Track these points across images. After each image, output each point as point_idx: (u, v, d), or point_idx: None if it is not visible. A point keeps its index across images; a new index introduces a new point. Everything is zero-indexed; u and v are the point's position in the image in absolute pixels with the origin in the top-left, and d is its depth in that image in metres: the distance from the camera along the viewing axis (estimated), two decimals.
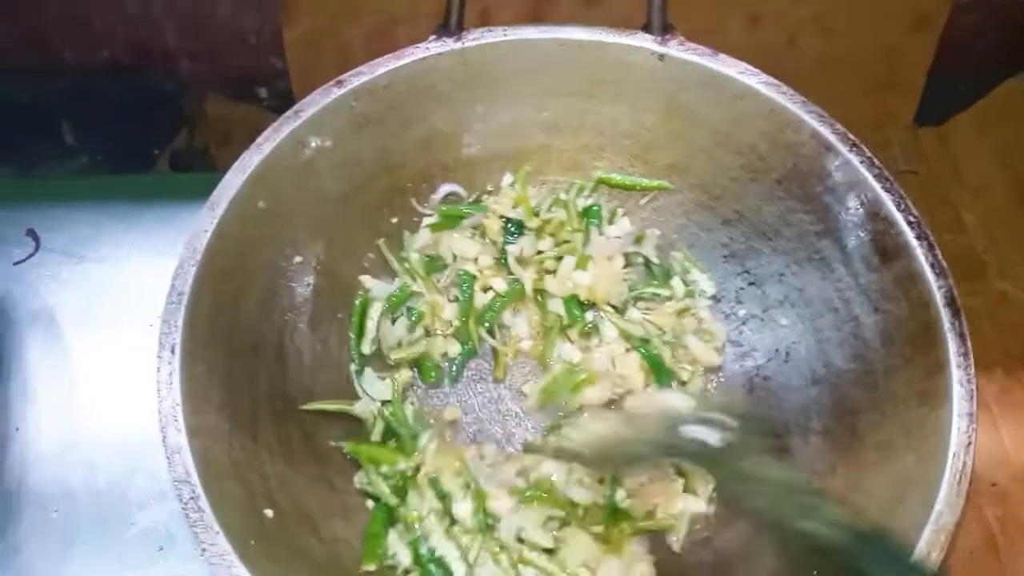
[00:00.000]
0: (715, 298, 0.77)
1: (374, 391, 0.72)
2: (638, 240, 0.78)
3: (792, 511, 0.48)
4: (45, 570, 0.72)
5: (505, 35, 0.70)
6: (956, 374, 0.56)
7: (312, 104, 0.67)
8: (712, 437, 0.56)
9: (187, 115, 1.02)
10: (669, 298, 0.75)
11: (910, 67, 1.04)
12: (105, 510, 0.74)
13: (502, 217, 0.78)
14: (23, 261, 0.86)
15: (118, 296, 0.84)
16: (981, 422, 0.83)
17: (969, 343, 0.57)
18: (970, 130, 1.05)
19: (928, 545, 0.51)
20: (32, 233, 0.88)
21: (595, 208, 0.78)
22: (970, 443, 0.54)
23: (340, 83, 0.68)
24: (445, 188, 0.78)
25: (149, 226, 0.88)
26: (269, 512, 0.58)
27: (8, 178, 0.93)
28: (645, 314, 0.75)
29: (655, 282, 0.77)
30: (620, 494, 0.67)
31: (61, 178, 0.93)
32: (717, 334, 0.75)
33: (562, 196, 0.78)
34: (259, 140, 0.65)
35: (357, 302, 0.74)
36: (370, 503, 0.67)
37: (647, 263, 0.78)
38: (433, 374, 0.74)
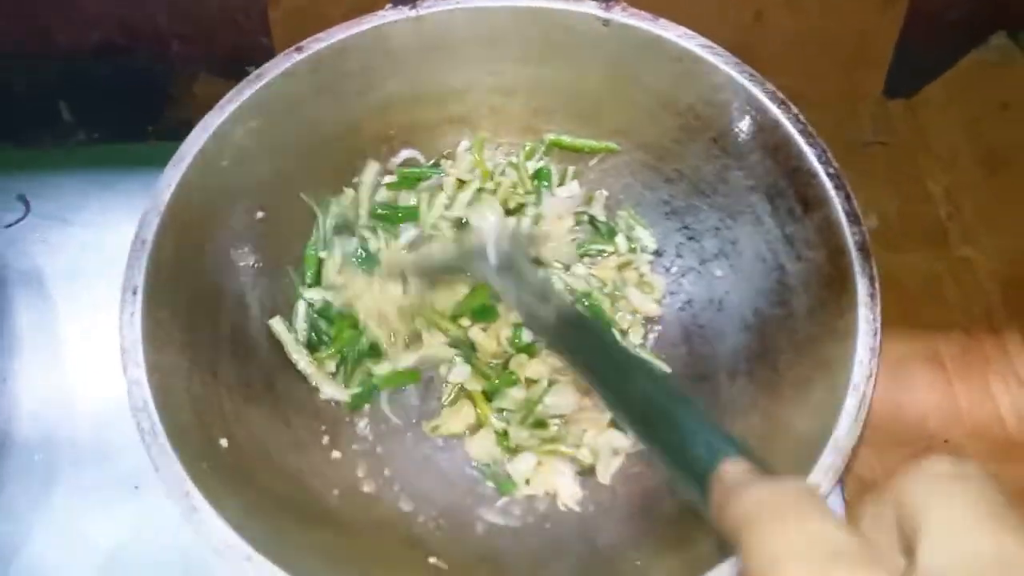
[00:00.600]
0: (657, 253, 0.80)
1: None
2: (588, 201, 0.82)
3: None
4: (28, 508, 0.77)
5: (459, 3, 0.73)
6: (863, 312, 0.59)
7: (273, 68, 0.71)
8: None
9: (178, 94, 1.06)
10: (612, 253, 0.79)
11: (879, 40, 1.06)
12: (85, 454, 0.79)
13: (458, 180, 0.82)
14: (13, 224, 0.92)
15: (103, 258, 0.89)
16: (937, 383, 0.87)
17: (878, 285, 0.60)
18: (938, 101, 1.07)
19: (825, 467, 0.54)
20: (23, 198, 0.93)
21: (545, 171, 0.82)
22: (871, 375, 0.57)
23: (300, 49, 0.72)
24: (404, 153, 0.82)
25: (133, 192, 0.93)
26: (224, 441, 0.62)
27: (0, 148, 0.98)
28: (589, 269, 0.79)
29: (601, 239, 0.80)
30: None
31: (50, 147, 0.98)
32: (657, 286, 0.78)
33: (513, 160, 0.82)
34: (222, 102, 0.69)
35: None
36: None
37: (592, 221, 0.81)
38: None
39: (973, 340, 0.89)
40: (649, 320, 0.78)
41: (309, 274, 0.77)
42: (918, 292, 0.92)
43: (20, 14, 1.00)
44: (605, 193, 0.83)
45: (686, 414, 0.46)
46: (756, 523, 0.35)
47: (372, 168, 0.81)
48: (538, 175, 0.82)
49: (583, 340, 0.58)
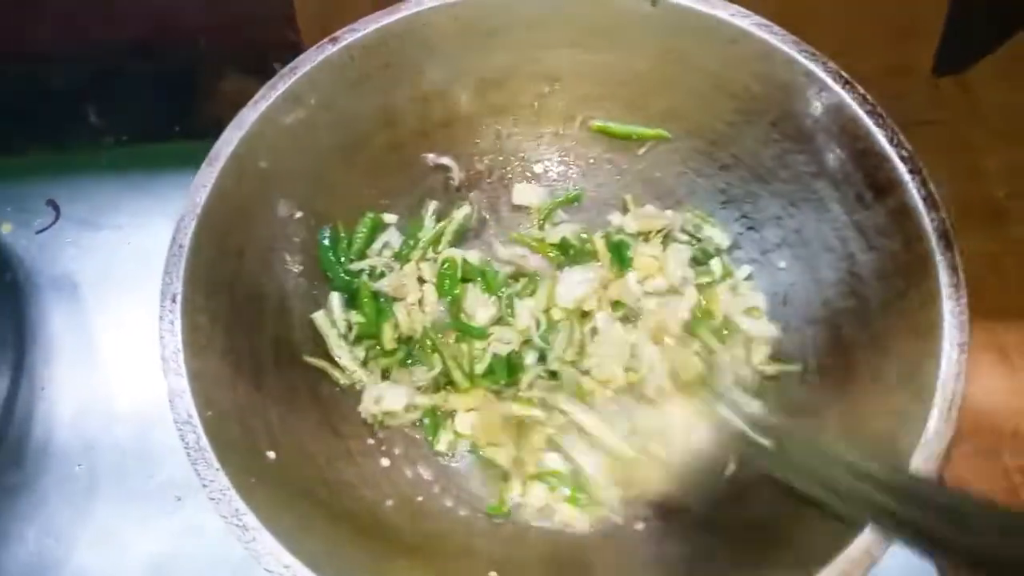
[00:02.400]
0: (729, 250, 0.76)
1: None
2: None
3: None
4: (70, 521, 0.75)
5: None
6: (947, 305, 0.56)
7: (307, 61, 0.68)
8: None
9: (205, 91, 1.04)
10: (711, 283, 0.75)
11: (927, 16, 1.02)
12: (125, 464, 0.78)
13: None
14: (45, 230, 0.90)
15: (134, 260, 0.88)
16: (1000, 371, 0.83)
17: (962, 274, 0.57)
18: (991, 78, 1.03)
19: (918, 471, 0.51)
20: (52, 203, 0.91)
21: (624, 243, 0.78)
22: (960, 372, 0.54)
23: (334, 40, 0.69)
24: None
25: (162, 193, 0.91)
26: (271, 454, 0.59)
27: (28, 153, 0.96)
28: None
29: (697, 265, 0.76)
30: None
31: (78, 151, 0.96)
32: (759, 304, 0.74)
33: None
34: (256, 98, 0.66)
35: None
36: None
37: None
38: None
39: None
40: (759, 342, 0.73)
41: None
42: (977, 276, 0.88)
43: (54, 14, 0.98)
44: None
45: None
46: None
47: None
48: (618, 253, 0.77)
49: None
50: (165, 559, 0.74)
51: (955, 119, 1.01)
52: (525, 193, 0.81)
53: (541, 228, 0.80)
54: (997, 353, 0.84)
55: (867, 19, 1.01)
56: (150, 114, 0.99)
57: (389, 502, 0.65)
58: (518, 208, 0.82)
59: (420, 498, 0.68)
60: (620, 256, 0.76)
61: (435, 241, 0.78)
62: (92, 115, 1.00)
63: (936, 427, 0.52)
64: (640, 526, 0.66)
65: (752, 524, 0.62)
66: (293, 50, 0.90)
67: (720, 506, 0.65)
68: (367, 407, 0.70)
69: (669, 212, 0.78)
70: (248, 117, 0.65)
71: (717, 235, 0.77)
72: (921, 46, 1.02)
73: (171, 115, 0.99)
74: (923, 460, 0.52)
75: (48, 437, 0.79)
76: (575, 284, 0.74)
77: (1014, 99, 1.00)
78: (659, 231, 0.77)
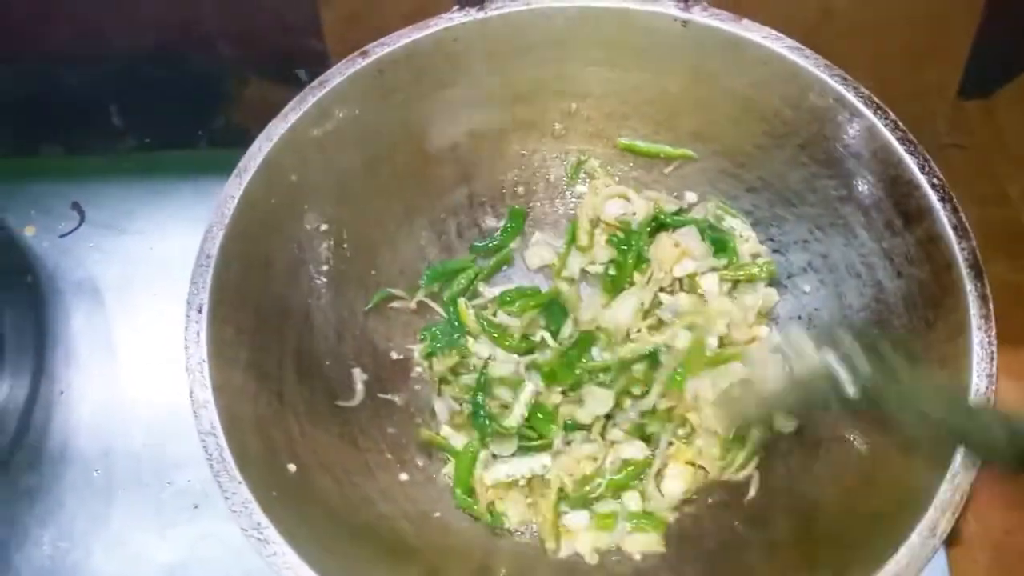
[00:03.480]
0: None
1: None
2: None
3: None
4: (87, 526, 0.76)
5: (528, 4, 0.70)
6: (977, 336, 0.55)
7: (337, 74, 0.68)
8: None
9: (229, 97, 1.04)
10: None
11: (954, 36, 1.01)
12: (143, 470, 0.78)
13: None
14: (69, 234, 0.90)
15: (157, 266, 0.88)
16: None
17: (991, 305, 0.56)
18: (1017, 102, 1.02)
19: (942, 504, 0.50)
20: (77, 207, 0.92)
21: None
22: (989, 403, 0.53)
23: (365, 54, 0.69)
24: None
25: (187, 200, 0.91)
26: (292, 467, 0.59)
27: (54, 156, 0.96)
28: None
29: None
30: None
31: (103, 155, 0.96)
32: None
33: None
34: (285, 110, 0.67)
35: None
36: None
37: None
38: None
39: None
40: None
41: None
42: (1000, 303, 0.87)
43: (77, 18, 0.99)
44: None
45: None
46: None
47: None
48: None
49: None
50: (181, 566, 0.74)
51: (979, 144, 1.00)
52: (537, 256, 0.81)
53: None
54: (1020, 382, 0.83)
55: (892, 39, 1.00)
56: (174, 119, 0.99)
57: (407, 517, 0.65)
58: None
59: (438, 514, 0.68)
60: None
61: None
62: (116, 118, 1.01)
63: (963, 459, 0.52)
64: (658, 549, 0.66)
65: (773, 548, 0.62)
66: (318, 58, 0.91)
67: (739, 532, 0.64)
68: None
69: (692, 195, 0.79)
70: (277, 129, 0.66)
71: (739, 225, 0.76)
72: (947, 68, 1.02)
73: (196, 121, 0.99)
74: (948, 491, 0.51)
75: (66, 442, 0.79)
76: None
77: None
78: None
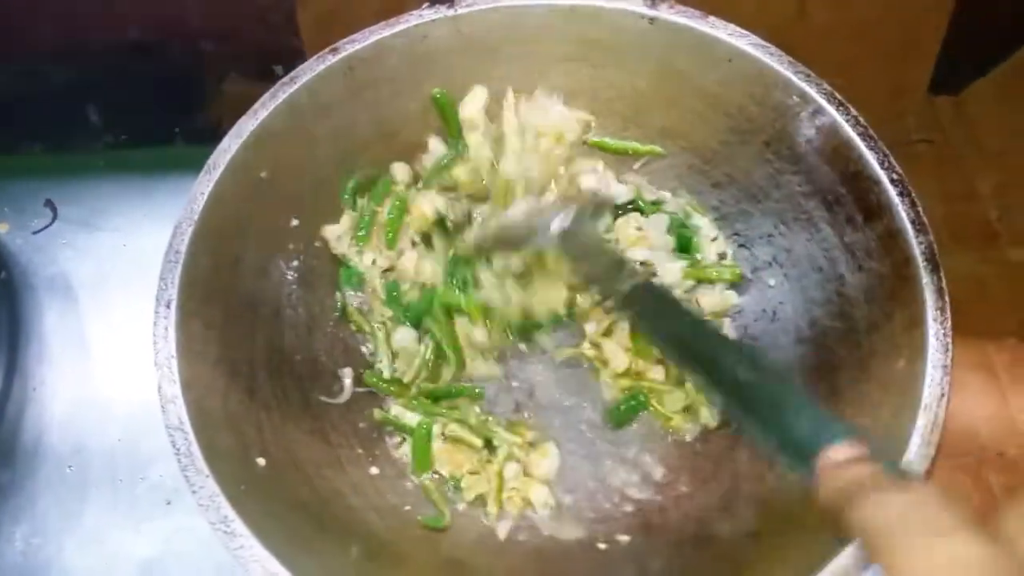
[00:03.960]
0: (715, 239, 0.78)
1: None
2: None
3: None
4: (60, 523, 0.75)
5: (498, 1, 0.71)
6: (932, 328, 0.56)
7: (307, 71, 0.68)
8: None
9: (207, 94, 1.04)
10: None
11: (924, 35, 1.02)
12: (117, 466, 0.78)
13: None
14: (41, 231, 0.90)
15: (130, 263, 0.88)
16: (990, 392, 0.83)
17: (947, 298, 0.57)
18: (987, 98, 1.03)
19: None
20: (50, 204, 0.91)
21: None
22: (943, 395, 0.54)
23: (335, 50, 0.69)
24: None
25: (160, 197, 0.91)
26: (261, 461, 0.60)
27: (27, 153, 0.96)
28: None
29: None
30: None
31: (77, 152, 0.96)
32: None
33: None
34: (255, 107, 0.67)
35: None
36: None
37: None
38: None
39: None
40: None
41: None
42: (967, 297, 0.88)
43: (55, 12, 0.99)
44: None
45: (785, 391, 0.47)
46: (900, 538, 0.35)
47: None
48: None
49: (665, 315, 0.57)
50: (155, 562, 0.74)
51: (950, 139, 1.01)
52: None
53: None
54: (986, 373, 0.85)
55: (864, 38, 1.01)
56: (150, 116, 0.99)
57: (376, 510, 0.66)
58: None
59: (408, 507, 0.68)
60: None
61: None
62: (92, 115, 1.01)
63: (918, 449, 0.53)
64: (624, 538, 0.67)
65: (737, 539, 0.63)
66: (295, 55, 0.91)
67: (706, 521, 0.65)
68: None
69: (667, 194, 0.80)
70: (247, 126, 0.66)
71: (706, 225, 0.77)
72: (918, 65, 1.03)
73: (171, 117, 0.99)
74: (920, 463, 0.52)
75: (39, 438, 0.79)
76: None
77: (1009, 120, 1.01)
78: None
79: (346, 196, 0.75)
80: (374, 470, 0.69)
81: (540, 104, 0.76)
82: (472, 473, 0.70)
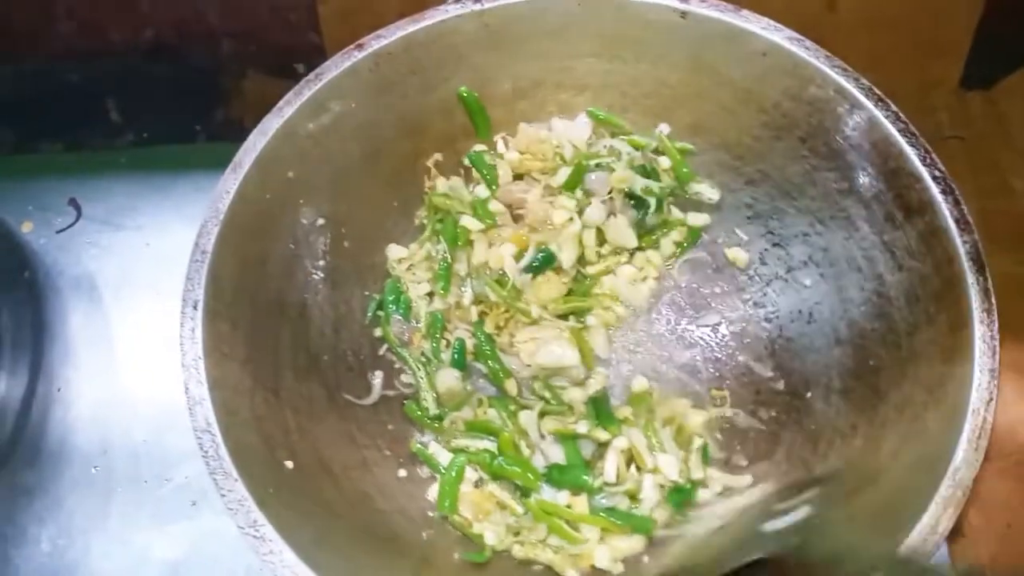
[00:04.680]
0: (719, 206, 0.77)
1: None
2: None
3: None
4: (85, 524, 0.75)
5: None
6: (979, 330, 0.55)
7: (332, 68, 0.68)
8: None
9: (227, 92, 1.04)
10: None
11: (956, 28, 1.00)
12: (142, 467, 0.77)
13: None
14: (66, 230, 0.90)
15: (154, 262, 0.87)
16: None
17: (993, 299, 0.56)
18: (1019, 94, 1.01)
19: (944, 502, 0.50)
20: (74, 203, 0.91)
21: None
22: (991, 399, 0.52)
23: (360, 47, 0.68)
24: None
25: (183, 195, 0.91)
26: (289, 463, 0.59)
27: (51, 151, 0.96)
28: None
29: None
30: None
31: (100, 150, 0.96)
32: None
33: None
34: (280, 104, 0.66)
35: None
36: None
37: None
38: None
39: None
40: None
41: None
42: (1002, 296, 0.87)
43: (76, 13, 0.99)
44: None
45: None
46: None
47: None
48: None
49: None
50: (180, 563, 0.73)
51: (982, 135, 0.99)
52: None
53: None
54: (1021, 373, 0.83)
55: (895, 32, 1.00)
56: (172, 114, 0.99)
57: (403, 513, 0.64)
58: None
59: (434, 513, 0.67)
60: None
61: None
62: (113, 114, 1.01)
63: (965, 455, 0.51)
64: None
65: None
66: (316, 52, 0.90)
67: None
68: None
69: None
70: (272, 124, 0.65)
71: (706, 190, 0.76)
72: (949, 60, 1.01)
73: (193, 116, 0.99)
74: (950, 488, 0.51)
75: (64, 439, 0.79)
76: None
77: None
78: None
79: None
80: (402, 473, 0.68)
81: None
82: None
